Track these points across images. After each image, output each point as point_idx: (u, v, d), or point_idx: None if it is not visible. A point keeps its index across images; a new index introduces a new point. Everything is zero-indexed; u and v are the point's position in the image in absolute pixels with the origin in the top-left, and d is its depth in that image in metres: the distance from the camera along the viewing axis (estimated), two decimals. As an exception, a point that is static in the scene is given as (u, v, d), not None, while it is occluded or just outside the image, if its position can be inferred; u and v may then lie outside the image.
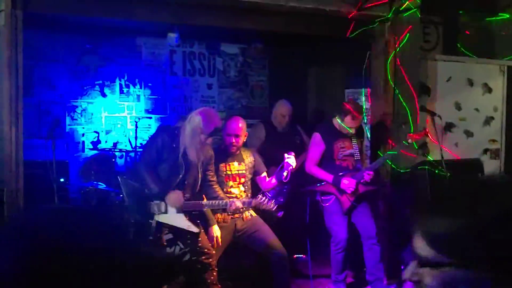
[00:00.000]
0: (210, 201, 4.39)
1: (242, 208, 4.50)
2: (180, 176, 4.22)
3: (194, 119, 4.18)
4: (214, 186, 4.53)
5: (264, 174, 5.09)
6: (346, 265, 5.44)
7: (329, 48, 6.81)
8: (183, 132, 4.21)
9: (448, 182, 5.05)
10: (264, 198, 4.43)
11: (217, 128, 4.22)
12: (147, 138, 5.02)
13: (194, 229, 4.27)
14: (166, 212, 4.27)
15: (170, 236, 4.33)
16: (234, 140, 4.78)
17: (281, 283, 4.80)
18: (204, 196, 4.46)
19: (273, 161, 5.60)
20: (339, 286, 5.42)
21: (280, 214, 4.49)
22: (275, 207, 4.44)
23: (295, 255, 6.22)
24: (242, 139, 4.88)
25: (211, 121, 4.16)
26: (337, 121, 5.30)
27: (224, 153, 4.81)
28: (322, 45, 6.82)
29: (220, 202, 4.39)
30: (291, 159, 4.77)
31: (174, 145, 4.22)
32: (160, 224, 4.27)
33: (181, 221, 4.27)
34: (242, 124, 4.88)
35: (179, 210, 4.25)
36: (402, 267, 5.79)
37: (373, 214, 5.39)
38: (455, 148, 6.30)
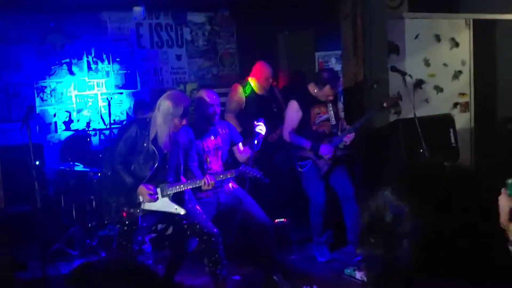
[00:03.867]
0: (189, 181, 4.40)
1: (221, 177, 4.51)
2: (156, 164, 4.21)
3: (163, 105, 4.16)
4: (193, 170, 4.54)
5: (240, 144, 5.09)
6: (326, 226, 5.57)
7: (297, 12, 6.77)
8: (154, 120, 4.19)
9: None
10: (247, 167, 4.46)
11: (186, 108, 4.18)
12: (118, 130, 4.93)
13: (182, 210, 4.30)
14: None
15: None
16: (217, 110, 4.80)
17: (266, 251, 4.88)
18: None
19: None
20: (321, 248, 5.54)
21: (267, 180, 4.51)
22: (260, 174, 4.47)
23: (276, 220, 6.31)
24: None
25: (179, 102, 4.14)
26: (313, 88, 5.33)
27: (199, 130, 4.78)
28: (290, 9, 6.77)
29: (198, 180, 4.39)
30: (260, 127, 4.78)
31: (147, 135, 4.20)
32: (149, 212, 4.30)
33: (168, 205, 4.29)
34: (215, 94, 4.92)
35: (164, 194, 4.26)
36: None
37: (350, 176, 5.49)
38: (425, 104, 6.40)
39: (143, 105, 6.70)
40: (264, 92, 6.24)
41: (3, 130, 6.19)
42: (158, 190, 4.26)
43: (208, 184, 4.34)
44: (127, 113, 7.35)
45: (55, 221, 5.95)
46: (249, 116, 5.84)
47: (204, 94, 4.84)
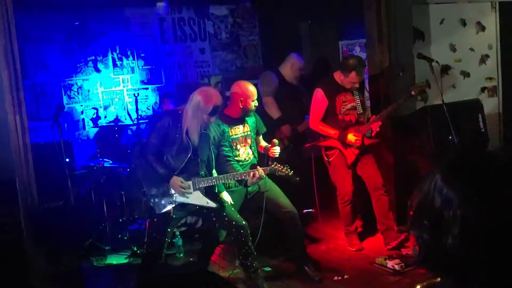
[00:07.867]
0: (225, 175, 4.40)
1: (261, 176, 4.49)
2: (189, 155, 4.23)
3: (195, 99, 4.17)
4: (232, 162, 4.56)
5: (261, 137, 5.07)
6: (356, 216, 5.55)
7: (320, 1, 6.74)
8: (185, 113, 4.21)
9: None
10: (280, 165, 4.44)
11: (216, 107, 4.18)
12: (150, 121, 4.90)
13: (213, 204, 4.33)
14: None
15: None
16: (255, 103, 4.81)
17: (294, 241, 4.89)
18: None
19: (288, 114, 6.09)
20: (351, 237, 5.54)
21: (298, 179, 4.49)
22: (291, 172, 4.45)
23: (304, 210, 6.32)
24: None
25: (210, 100, 4.14)
26: (339, 75, 5.29)
27: (231, 119, 4.79)
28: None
29: (240, 173, 4.39)
30: (275, 151, 4.74)
31: (180, 127, 4.22)
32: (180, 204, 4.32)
33: (199, 199, 4.31)
34: None
35: (195, 188, 4.28)
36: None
37: (378, 165, 5.45)
38: (453, 90, 6.33)
39: (169, 98, 6.78)
40: (295, 81, 6.29)
41: (32, 129, 6.27)
42: (190, 183, 4.28)
43: (258, 177, 4.35)
44: (153, 108, 7.41)
45: (87, 217, 6.04)
46: (283, 101, 6.07)
47: (245, 87, 4.77)
